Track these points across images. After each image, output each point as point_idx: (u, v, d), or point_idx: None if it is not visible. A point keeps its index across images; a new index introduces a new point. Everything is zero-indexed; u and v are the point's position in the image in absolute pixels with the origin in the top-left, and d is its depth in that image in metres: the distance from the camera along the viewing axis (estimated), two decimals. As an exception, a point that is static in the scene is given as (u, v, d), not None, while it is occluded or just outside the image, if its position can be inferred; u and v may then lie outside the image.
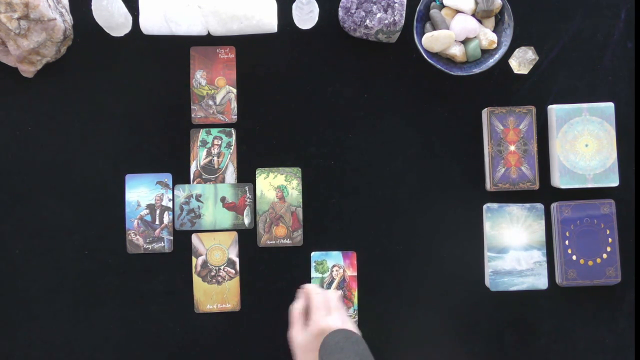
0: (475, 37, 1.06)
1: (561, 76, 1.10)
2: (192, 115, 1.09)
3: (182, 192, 1.08)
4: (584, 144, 1.06)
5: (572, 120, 1.06)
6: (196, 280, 1.07)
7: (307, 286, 1.03)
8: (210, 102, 1.09)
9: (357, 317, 1.08)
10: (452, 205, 1.09)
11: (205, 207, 1.08)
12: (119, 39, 1.09)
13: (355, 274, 1.08)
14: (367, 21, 1.05)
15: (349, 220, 1.09)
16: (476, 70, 1.06)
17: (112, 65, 1.09)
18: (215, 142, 1.08)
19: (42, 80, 1.08)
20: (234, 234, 1.08)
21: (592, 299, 1.08)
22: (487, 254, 1.07)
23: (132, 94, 1.09)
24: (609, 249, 1.06)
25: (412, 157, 1.09)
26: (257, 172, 1.09)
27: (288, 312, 1.01)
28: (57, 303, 1.07)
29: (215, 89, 1.09)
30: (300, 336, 0.97)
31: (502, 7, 1.06)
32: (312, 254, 1.08)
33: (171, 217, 1.08)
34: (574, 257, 1.06)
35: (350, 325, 0.97)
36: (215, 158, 1.08)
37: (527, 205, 1.07)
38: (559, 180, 1.06)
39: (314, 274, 1.08)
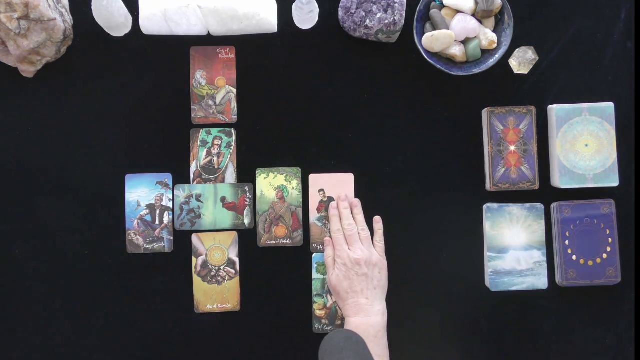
0: (475, 37, 1.06)
1: (561, 76, 1.10)
2: (192, 115, 1.09)
3: (182, 192, 1.08)
4: (584, 144, 1.06)
5: (572, 120, 1.06)
6: (196, 280, 1.07)
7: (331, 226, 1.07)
8: (210, 102, 1.09)
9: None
10: (452, 205, 1.09)
11: (205, 207, 1.08)
12: (119, 39, 1.09)
13: (355, 274, 1.08)
14: (367, 21, 1.05)
15: (349, 220, 1.09)
16: (476, 70, 1.06)
17: (112, 65, 1.09)
18: (215, 142, 1.08)
19: (42, 80, 1.08)
20: (234, 234, 1.08)
21: (592, 299, 1.08)
22: (487, 254, 1.07)
23: (132, 94, 1.09)
24: (609, 249, 1.06)
25: (412, 157, 1.09)
26: (257, 172, 1.09)
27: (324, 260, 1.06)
28: (57, 303, 1.07)
29: (215, 89, 1.09)
30: (332, 276, 1.04)
31: (502, 7, 1.06)
32: (314, 255, 1.08)
33: (171, 217, 1.08)
34: (574, 257, 1.06)
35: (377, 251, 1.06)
36: (215, 158, 1.08)
37: (527, 205, 1.07)
38: (559, 180, 1.06)
39: (315, 275, 1.08)
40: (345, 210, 1.07)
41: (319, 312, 1.07)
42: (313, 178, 1.08)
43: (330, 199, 1.08)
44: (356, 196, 1.08)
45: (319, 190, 1.08)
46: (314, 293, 1.07)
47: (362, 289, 1.01)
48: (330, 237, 1.07)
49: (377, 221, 1.08)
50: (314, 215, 1.08)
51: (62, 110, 1.08)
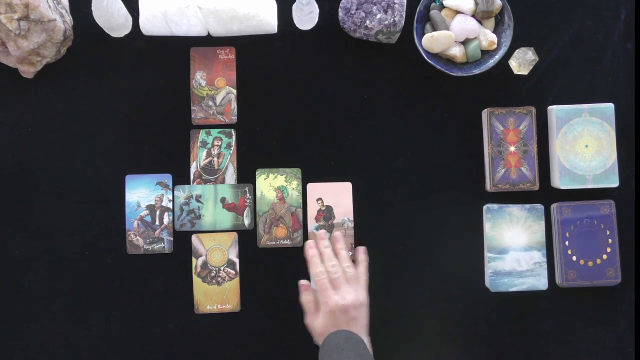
0: (475, 37, 1.06)
1: (561, 76, 1.10)
2: (192, 116, 1.09)
3: (182, 192, 1.08)
4: (584, 144, 1.06)
5: (572, 121, 1.06)
6: (196, 281, 1.07)
7: (310, 268, 1.03)
8: (210, 103, 1.09)
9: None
10: (452, 206, 1.09)
11: (205, 208, 1.08)
12: (119, 40, 1.09)
13: (355, 274, 1.08)
14: (367, 22, 1.05)
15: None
16: (476, 71, 1.06)
17: (112, 65, 1.09)
18: (215, 142, 1.08)
19: (42, 81, 1.08)
20: (234, 235, 1.08)
21: (592, 299, 1.08)
22: (487, 254, 1.07)
23: (132, 95, 1.09)
24: (609, 250, 1.06)
25: (412, 157, 1.09)
26: (257, 172, 1.09)
27: (300, 303, 1.03)
28: (57, 303, 1.07)
29: (215, 90, 1.09)
30: (316, 321, 0.99)
31: (502, 8, 1.06)
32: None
33: (171, 217, 1.08)
34: (574, 258, 1.06)
35: (361, 291, 0.99)
36: (215, 159, 1.08)
37: (527, 206, 1.07)
38: (559, 181, 1.06)
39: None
40: (327, 249, 1.02)
41: None
42: (311, 187, 1.08)
43: (329, 208, 1.07)
44: (355, 198, 1.08)
45: (317, 199, 1.07)
46: None
47: None
48: (311, 280, 1.03)
49: (361, 252, 1.05)
50: (312, 224, 1.08)
51: (62, 111, 1.08)
